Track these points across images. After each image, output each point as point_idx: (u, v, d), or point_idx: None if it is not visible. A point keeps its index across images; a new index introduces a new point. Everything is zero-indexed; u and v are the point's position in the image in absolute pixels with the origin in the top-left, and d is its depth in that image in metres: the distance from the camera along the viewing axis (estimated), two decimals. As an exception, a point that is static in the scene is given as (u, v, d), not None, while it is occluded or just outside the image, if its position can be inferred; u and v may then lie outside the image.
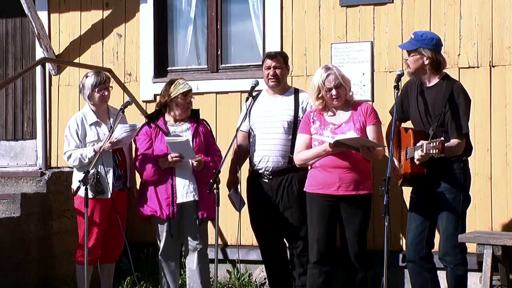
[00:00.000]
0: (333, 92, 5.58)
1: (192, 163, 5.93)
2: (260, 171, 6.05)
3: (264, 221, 6.10)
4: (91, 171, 5.90)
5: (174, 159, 5.88)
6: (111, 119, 6.22)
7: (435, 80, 5.42)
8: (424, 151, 5.05)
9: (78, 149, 6.10)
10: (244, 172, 6.24)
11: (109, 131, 6.10)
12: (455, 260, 5.34)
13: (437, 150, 4.95)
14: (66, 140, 6.18)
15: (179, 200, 5.93)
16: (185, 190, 5.93)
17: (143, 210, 6.02)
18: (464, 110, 5.32)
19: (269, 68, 6.10)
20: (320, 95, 5.63)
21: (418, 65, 5.38)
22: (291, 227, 5.98)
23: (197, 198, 5.92)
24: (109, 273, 6.37)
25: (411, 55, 5.39)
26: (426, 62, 5.36)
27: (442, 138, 5.02)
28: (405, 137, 5.47)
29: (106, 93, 6.21)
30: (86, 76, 6.22)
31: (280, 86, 6.12)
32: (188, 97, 6.03)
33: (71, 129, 6.17)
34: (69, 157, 6.12)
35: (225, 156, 5.72)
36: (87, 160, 6.02)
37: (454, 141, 5.24)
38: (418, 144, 5.16)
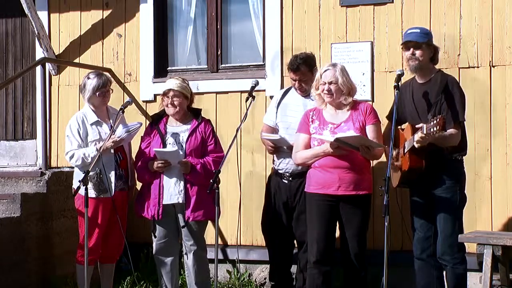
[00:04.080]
0: (325, 87, 5.61)
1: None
2: (281, 171, 6.06)
3: (278, 221, 6.10)
4: (92, 171, 5.91)
5: (159, 165, 5.87)
6: (111, 120, 6.22)
7: (430, 75, 5.48)
8: (425, 132, 5.04)
9: (81, 149, 6.09)
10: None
11: (109, 130, 6.11)
12: (454, 259, 5.36)
13: (438, 127, 4.93)
14: (68, 139, 6.16)
15: (165, 201, 5.91)
16: (171, 192, 5.90)
17: (136, 210, 6.07)
18: (460, 100, 5.38)
19: (294, 80, 6.08)
20: (318, 86, 5.68)
21: (427, 57, 5.45)
22: (304, 230, 5.93)
23: (181, 201, 5.89)
24: (109, 273, 6.36)
25: (423, 47, 5.42)
26: (432, 53, 5.47)
27: (444, 114, 5.04)
28: (403, 134, 5.49)
29: (106, 96, 6.21)
30: (88, 78, 6.19)
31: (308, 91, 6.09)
32: (169, 97, 5.94)
33: (72, 129, 6.15)
34: (71, 156, 6.10)
35: (226, 156, 5.72)
36: (90, 160, 6.01)
37: (450, 131, 5.27)
38: (417, 126, 5.18)
